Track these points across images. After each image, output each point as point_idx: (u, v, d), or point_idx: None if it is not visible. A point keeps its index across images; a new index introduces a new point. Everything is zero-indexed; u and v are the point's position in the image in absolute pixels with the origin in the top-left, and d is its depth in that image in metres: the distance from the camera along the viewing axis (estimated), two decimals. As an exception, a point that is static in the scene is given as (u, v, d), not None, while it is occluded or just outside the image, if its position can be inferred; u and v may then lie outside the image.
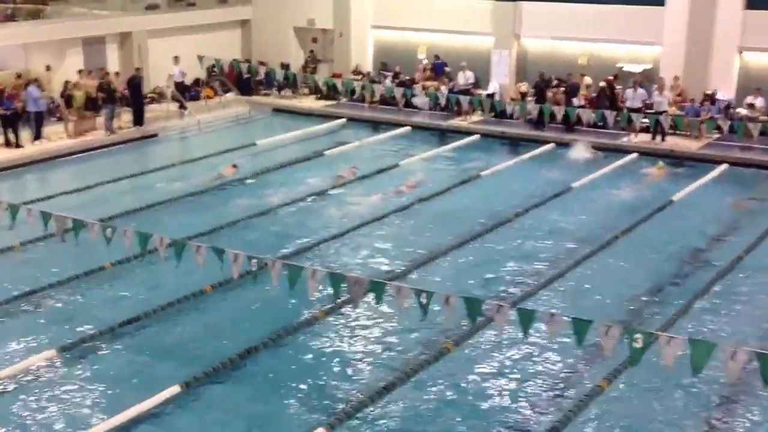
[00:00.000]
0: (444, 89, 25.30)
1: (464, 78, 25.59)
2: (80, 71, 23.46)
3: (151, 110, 25.03)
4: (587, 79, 24.21)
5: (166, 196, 18.12)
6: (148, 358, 11.58)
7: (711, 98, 22.98)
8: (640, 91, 22.71)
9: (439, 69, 26.73)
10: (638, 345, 9.01)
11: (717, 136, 22.05)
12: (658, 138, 22.09)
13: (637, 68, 24.21)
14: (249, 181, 19.67)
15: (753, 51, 23.00)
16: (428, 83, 26.31)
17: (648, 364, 9.72)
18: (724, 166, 20.61)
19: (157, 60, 26.43)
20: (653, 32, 23.80)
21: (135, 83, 23.72)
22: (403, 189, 18.83)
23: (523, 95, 24.97)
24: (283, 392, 10.76)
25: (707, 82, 23.28)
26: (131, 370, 11.24)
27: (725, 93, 23.08)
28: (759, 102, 21.77)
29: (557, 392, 10.82)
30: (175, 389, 10.49)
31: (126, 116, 23.92)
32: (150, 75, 26.08)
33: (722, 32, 22.94)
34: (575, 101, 23.57)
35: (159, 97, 26.51)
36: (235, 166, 20.26)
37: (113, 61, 26.04)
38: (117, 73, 24.22)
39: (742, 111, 22.27)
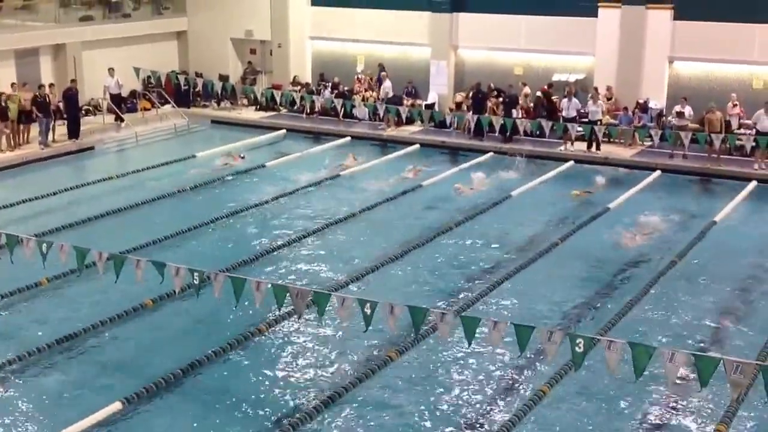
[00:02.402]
0: (382, 100, 25.50)
1: (383, 90, 25.87)
2: (13, 84, 22.94)
3: (86, 123, 24.60)
4: (526, 89, 24.58)
5: (105, 209, 17.82)
6: (89, 375, 11.39)
7: (643, 107, 23.55)
8: (575, 100, 23.14)
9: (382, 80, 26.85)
10: (580, 349, 9.21)
11: (649, 143, 22.60)
12: (594, 147, 22.54)
13: (571, 78, 24.68)
14: (191, 192, 19.50)
15: (682, 60, 23.66)
16: (367, 94, 26.44)
17: (588, 368, 9.91)
18: (657, 173, 21.15)
19: (92, 72, 26.01)
20: (586, 43, 24.28)
21: (71, 95, 23.32)
22: (410, 175, 20.59)
23: (459, 105, 25.24)
24: (226, 407, 10.66)
25: (639, 91, 23.84)
26: (71, 388, 11.04)
27: (657, 102, 23.67)
28: (687, 110, 22.36)
29: (500, 396, 10.95)
30: (117, 406, 10.34)
31: (61, 129, 23.49)
32: (85, 87, 25.65)
33: (652, 42, 23.51)
34: (514, 112, 23.88)
35: (94, 109, 26.11)
36: (242, 156, 22.00)
37: (47, 73, 25.50)
38: (51, 85, 23.75)
39: (673, 120, 22.84)
